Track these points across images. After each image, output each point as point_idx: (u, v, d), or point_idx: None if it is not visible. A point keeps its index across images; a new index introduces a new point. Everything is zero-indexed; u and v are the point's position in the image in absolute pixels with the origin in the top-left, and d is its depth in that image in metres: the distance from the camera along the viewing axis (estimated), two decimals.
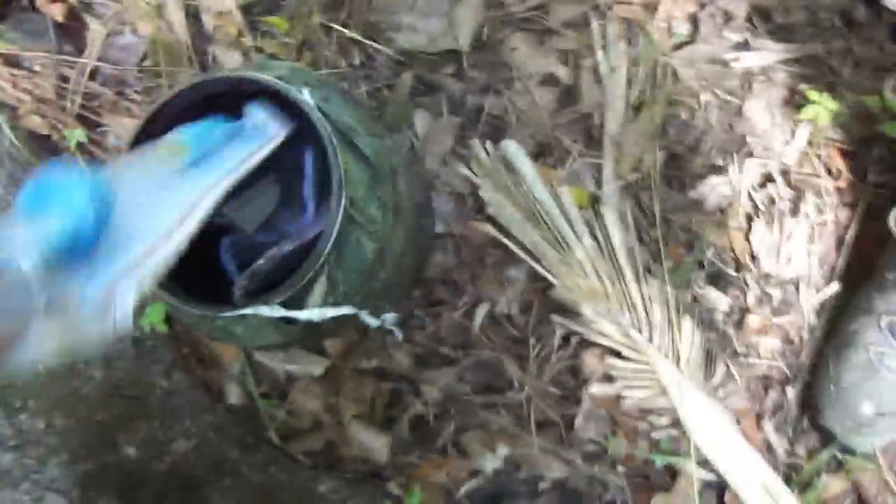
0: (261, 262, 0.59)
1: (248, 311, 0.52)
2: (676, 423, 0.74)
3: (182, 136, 0.53)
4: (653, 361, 0.74)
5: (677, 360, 0.75)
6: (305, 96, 0.53)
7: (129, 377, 0.71)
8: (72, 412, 0.68)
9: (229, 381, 0.72)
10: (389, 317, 0.65)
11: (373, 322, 0.62)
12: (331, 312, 0.55)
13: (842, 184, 0.82)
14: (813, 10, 0.83)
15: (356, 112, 0.57)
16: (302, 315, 0.54)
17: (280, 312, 0.52)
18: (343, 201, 0.53)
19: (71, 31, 0.77)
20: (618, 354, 0.74)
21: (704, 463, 0.74)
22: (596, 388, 0.74)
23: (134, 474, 0.68)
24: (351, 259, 0.56)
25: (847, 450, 0.77)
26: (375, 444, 0.70)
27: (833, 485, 0.79)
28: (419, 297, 0.72)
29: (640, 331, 0.74)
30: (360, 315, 0.60)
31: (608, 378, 0.74)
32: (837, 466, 0.79)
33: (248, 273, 0.59)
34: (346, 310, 0.56)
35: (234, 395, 0.72)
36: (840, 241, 0.81)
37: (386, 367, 0.72)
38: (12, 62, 0.75)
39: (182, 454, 0.69)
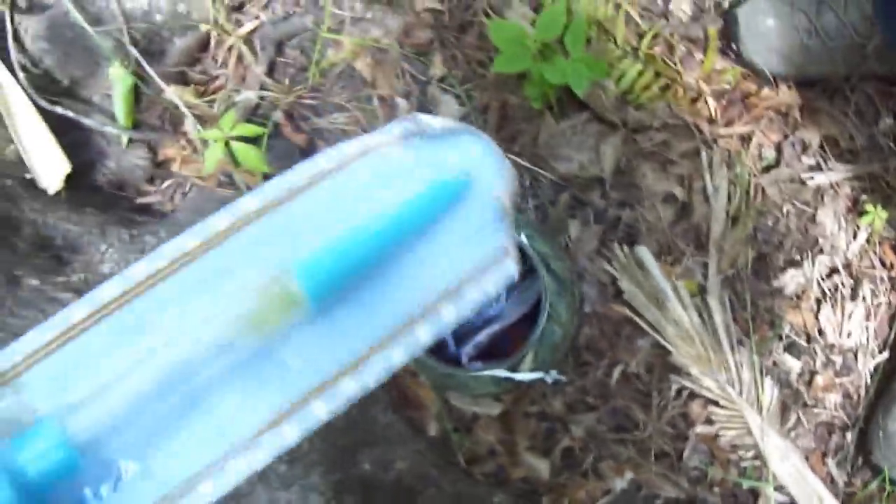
0: (482, 338, 0.91)
1: (488, 372, 0.84)
2: (759, 456, 1.04)
3: (290, 270, 0.35)
4: (742, 410, 1.04)
5: (760, 410, 1.05)
6: (524, 239, 0.84)
7: (360, 413, 1.03)
8: (325, 438, 1.01)
9: (429, 418, 1.04)
10: (553, 374, 0.97)
11: (548, 379, 0.94)
12: (535, 375, 0.87)
13: (894, 273, 1.11)
14: (871, 136, 1.12)
15: (548, 243, 0.89)
16: (519, 376, 0.85)
17: (507, 374, 0.84)
18: (547, 306, 0.84)
19: (309, 153, 1.10)
20: (716, 404, 1.05)
21: (780, 488, 1.04)
22: (700, 429, 1.05)
23: (369, 482, 1.00)
24: (547, 340, 0.87)
25: (894, 482, 1.07)
26: (539, 467, 1.02)
27: None
28: (571, 360, 1.03)
29: (733, 387, 1.04)
30: (544, 376, 0.91)
31: (709, 421, 1.05)
32: (887, 496, 1.08)
33: (473, 345, 0.91)
34: (541, 374, 0.88)
35: (432, 429, 1.04)
36: (892, 319, 1.10)
37: (545, 410, 1.04)
38: None
39: (401, 470, 1.01)
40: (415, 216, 0.37)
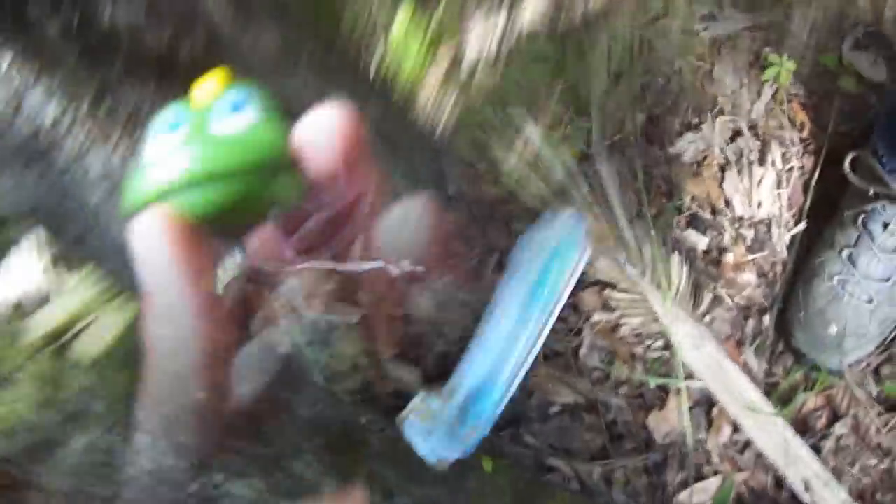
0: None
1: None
2: (668, 346, 0.92)
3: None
4: (646, 292, 0.92)
5: (667, 291, 0.93)
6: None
7: None
8: None
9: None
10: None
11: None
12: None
13: (805, 134, 1.00)
14: None
15: None
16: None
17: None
18: None
19: None
20: (614, 287, 0.92)
21: (694, 382, 0.92)
22: (597, 317, 0.92)
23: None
24: None
25: (818, 368, 0.95)
26: (409, 378, 0.88)
27: (809, 401, 0.98)
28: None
29: (633, 266, 0.92)
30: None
31: (607, 308, 0.92)
32: (812, 385, 0.97)
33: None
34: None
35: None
36: (806, 185, 0.99)
37: (412, 313, 0.90)
38: None
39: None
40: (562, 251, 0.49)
